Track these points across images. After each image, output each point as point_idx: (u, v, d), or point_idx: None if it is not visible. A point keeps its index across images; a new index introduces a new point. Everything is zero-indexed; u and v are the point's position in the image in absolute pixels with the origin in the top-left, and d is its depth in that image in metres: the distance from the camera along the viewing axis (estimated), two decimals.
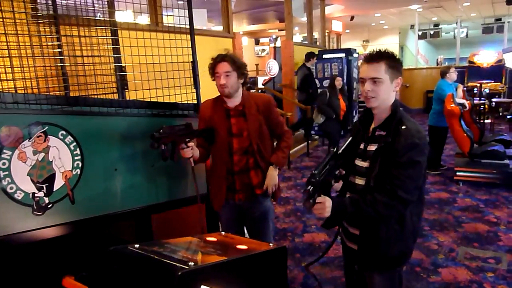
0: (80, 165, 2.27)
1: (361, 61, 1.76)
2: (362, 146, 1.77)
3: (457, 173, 5.48)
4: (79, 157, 2.26)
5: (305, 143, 7.85)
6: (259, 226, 2.57)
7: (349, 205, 1.63)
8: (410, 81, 12.99)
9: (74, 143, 2.24)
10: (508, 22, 15.09)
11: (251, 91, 9.91)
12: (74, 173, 2.25)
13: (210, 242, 1.72)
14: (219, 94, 2.46)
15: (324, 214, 1.61)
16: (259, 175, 2.48)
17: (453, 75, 5.69)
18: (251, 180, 2.48)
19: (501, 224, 4.08)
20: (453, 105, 5.30)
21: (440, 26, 16.62)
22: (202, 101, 2.69)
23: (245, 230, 2.70)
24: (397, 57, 1.68)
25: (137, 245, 1.48)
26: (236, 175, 2.47)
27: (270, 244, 1.70)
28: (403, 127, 1.63)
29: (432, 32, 16.24)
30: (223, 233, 1.87)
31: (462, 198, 4.92)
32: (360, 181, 1.75)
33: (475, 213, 4.42)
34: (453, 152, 6.87)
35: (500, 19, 15.27)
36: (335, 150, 1.71)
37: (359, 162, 1.77)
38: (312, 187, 1.55)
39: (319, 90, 7.75)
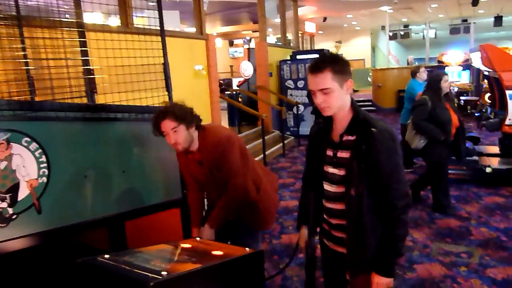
0: (46, 173, 2.17)
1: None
2: (330, 152, 1.73)
3: None
4: (45, 165, 2.16)
5: (281, 143, 7.87)
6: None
7: (391, 257, 1.66)
8: (382, 81, 13.24)
9: (40, 150, 2.14)
10: (474, 22, 15.65)
11: (225, 93, 9.90)
12: (40, 181, 2.15)
13: (184, 249, 1.67)
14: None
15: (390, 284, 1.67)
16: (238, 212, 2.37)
17: (423, 74, 5.82)
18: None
19: (472, 219, 4.18)
20: None
21: (409, 27, 17.08)
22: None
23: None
24: (341, 57, 1.61)
25: (107, 256, 1.41)
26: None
27: (247, 248, 1.66)
28: (373, 129, 1.59)
29: (402, 33, 16.65)
30: (198, 239, 1.82)
31: None
32: (334, 188, 1.72)
33: None
34: None
35: (466, 20, 15.78)
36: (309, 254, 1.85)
37: (331, 169, 1.72)
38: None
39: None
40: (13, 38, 2.77)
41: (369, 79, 13.92)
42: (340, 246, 1.80)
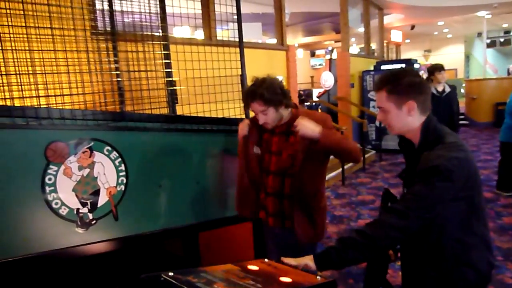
0: (124, 181, 2.24)
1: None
2: None
3: None
4: (124, 173, 2.23)
5: (361, 157, 7.51)
6: None
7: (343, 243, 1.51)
8: (477, 92, 12.09)
9: (119, 159, 2.21)
10: None
11: (305, 103, 9.77)
12: (118, 189, 2.22)
13: (250, 272, 1.57)
14: None
15: None
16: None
17: None
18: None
19: None
20: None
21: (511, 33, 15.47)
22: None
23: None
24: (399, 78, 1.48)
25: (171, 274, 1.36)
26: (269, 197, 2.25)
27: (318, 277, 1.51)
28: (425, 153, 1.44)
29: (502, 40, 15.21)
30: (266, 260, 1.71)
31: None
32: None
33: None
34: None
35: None
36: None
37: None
38: None
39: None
40: (105, 51, 2.94)
41: (462, 91, 12.83)
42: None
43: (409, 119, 1.50)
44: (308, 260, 1.54)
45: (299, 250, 2.25)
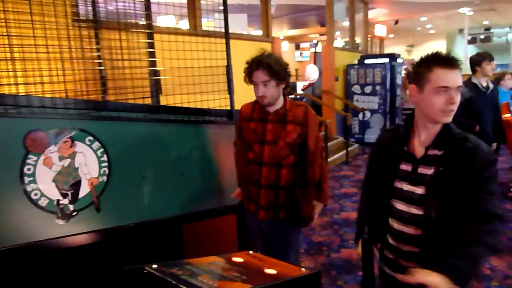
0: (107, 172, 2.20)
1: (435, 67, 1.46)
2: (406, 167, 1.52)
3: None
4: (106, 164, 2.19)
5: (344, 151, 7.57)
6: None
7: (460, 262, 1.30)
8: None
9: (102, 149, 2.17)
10: None
11: (289, 96, 9.77)
12: (100, 180, 2.17)
13: (235, 264, 1.56)
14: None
15: None
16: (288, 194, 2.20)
17: (508, 82, 5.26)
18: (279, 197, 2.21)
19: None
20: (509, 114, 4.88)
21: (491, 30, 15.80)
22: (238, 107, 2.55)
23: None
24: None
25: (155, 266, 1.34)
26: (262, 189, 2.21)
27: (303, 269, 1.51)
28: (470, 145, 1.39)
29: (482, 37, 15.54)
30: (251, 252, 1.71)
31: None
32: (412, 209, 1.50)
33: None
34: (507, 165, 6.35)
35: None
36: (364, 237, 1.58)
37: (407, 186, 1.51)
38: None
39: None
40: (87, 39, 2.87)
41: None
42: (397, 272, 1.57)
43: None
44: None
45: (287, 243, 2.26)
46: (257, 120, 2.19)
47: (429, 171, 1.45)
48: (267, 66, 2.02)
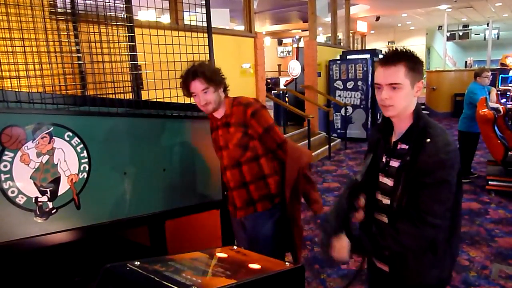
0: (87, 169, 2.15)
1: (377, 64, 1.49)
2: (384, 159, 1.57)
3: (489, 182, 5.16)
4: (86, 160, 2.14)
5: (327, 146, 7.63)
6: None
7: (368, 243, 1.50)
8: (437, 83, 12.54)
9: (81, 145, 2.11)
10: None
11: (272, 92, 9.76)
12: (80, 176, 2.12)
13: (219, 260, 1.55)
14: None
15: (343, 257, 1.51)
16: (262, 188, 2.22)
17: (485, 79, 5.38)
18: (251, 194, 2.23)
19: None
20: (486, 109, 4.98)
21: (469, 27, 16.08)
22: None
23: None
24: (417, 56, 1.44)
25: (137, 263, 1.32)
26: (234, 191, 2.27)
27: (286, 263, 1.52)
28: (428, 140, 1.39)
29: (461, 33, 15.77)
30: (235, 247, 1.70)
31: (495, 210, 4.60)
32: (385, 199, 1.55)
33: (510, 226, 4.11)
34: (484, 159, 6.52)
35: None
36: (355, 179, 1.54)
37: (383, 179, 1.56)
38: (325, 235, 1.50)
39: None
40: (65, 33, 2.79)
41: (423, 82, 13.27)
42: (387, 265, 1.63)
43: (413, 100, 1.46)
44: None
45: (269, 234, 2.26)
46: (213, 129, 2.30)
47: (397, 163, 1.50)
48: (202, 74, 2.04)
